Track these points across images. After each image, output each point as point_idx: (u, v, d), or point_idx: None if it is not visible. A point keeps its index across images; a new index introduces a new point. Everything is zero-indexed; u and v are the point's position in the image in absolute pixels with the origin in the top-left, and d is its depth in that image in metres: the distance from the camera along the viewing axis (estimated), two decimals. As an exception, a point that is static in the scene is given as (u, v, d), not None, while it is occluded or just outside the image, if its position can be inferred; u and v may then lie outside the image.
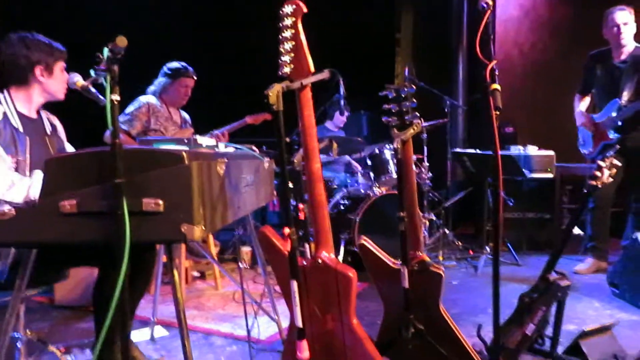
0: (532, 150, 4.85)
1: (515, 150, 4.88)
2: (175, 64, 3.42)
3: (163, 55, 3.60)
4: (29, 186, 1.84)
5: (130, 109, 3.32)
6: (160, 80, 3.43)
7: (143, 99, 3.37)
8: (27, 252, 1.72)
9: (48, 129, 2.18)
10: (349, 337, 1.70)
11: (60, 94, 2.13)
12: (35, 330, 2.68)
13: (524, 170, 4.40)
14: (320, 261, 1.69)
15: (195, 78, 3.45)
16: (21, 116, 2.05)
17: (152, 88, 3.45)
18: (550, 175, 4.76)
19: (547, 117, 5.57)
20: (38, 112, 2.16)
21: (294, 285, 1.60)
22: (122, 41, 1.33)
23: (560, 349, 2.30)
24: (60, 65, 2.10)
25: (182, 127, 3.51)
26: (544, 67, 5.82)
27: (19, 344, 2.24)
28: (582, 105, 4.01)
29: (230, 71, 5.26)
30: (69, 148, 2.28)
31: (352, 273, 1.66)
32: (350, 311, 1.68)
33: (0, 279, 1.91)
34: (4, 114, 1.98)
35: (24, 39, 2.04)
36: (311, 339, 1.70)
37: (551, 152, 4.80)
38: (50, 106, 2.22)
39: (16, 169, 1.94)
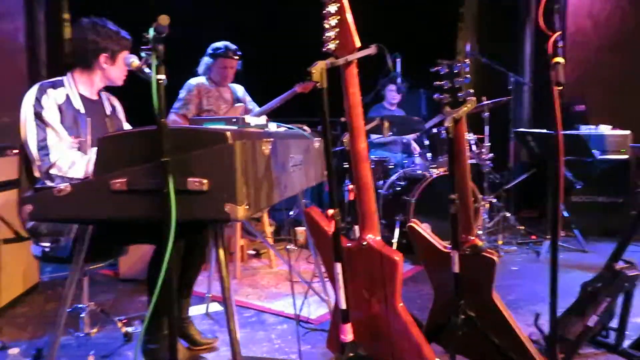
0: (605, 129, 4.55)
1: (586, 129, 4.58)
2: (218, 44, 3.44)
3: (212, 34, 3.61)
4: (87, 162, 1.93)
5: (182, 93, 3.42)
6: (205, 59, 3.49)
7: (193, 81, 3.45)
8: (85, 227, 1.80)
9: (108, 109, 2.27)
10: (394, 321, 1.66)
11: (119, 80, 2.21)
12: (100, 302, 2.84)
13: (593, 151, 4.11)
14: (365, 243, 1.65)
15: (236, 58, 3.43)
16: (83, 98, 2.13)
17: (200, 68, 3.51)
18: (624, 157, 4.44)
19: (624, 94, 5.16)
20: (98, 94, 2.24)
21: (338, 267, 1.58)
22: (164, 20, 1.33)
23: (626, 343, 2.16)
24: (124, 55, 2.15)
25: (234, 104, 3.55)
26: (622, 39, 5.36)
27: (82, 314, 2.38)
28: None
29: (279, 42, 5.21)
30: (128, 128, 2.36)
31: (397, 256, 1.61)
32: (396, 295, 1.64)
33: (64, 254, 2.01)
34: (67, 96, 2.07)
35: (95, 25, 2.10)
36: (356, 322, 1.67)
37: (627, 132, 4.48)
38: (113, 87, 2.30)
39: (79, 149, 2.03)
